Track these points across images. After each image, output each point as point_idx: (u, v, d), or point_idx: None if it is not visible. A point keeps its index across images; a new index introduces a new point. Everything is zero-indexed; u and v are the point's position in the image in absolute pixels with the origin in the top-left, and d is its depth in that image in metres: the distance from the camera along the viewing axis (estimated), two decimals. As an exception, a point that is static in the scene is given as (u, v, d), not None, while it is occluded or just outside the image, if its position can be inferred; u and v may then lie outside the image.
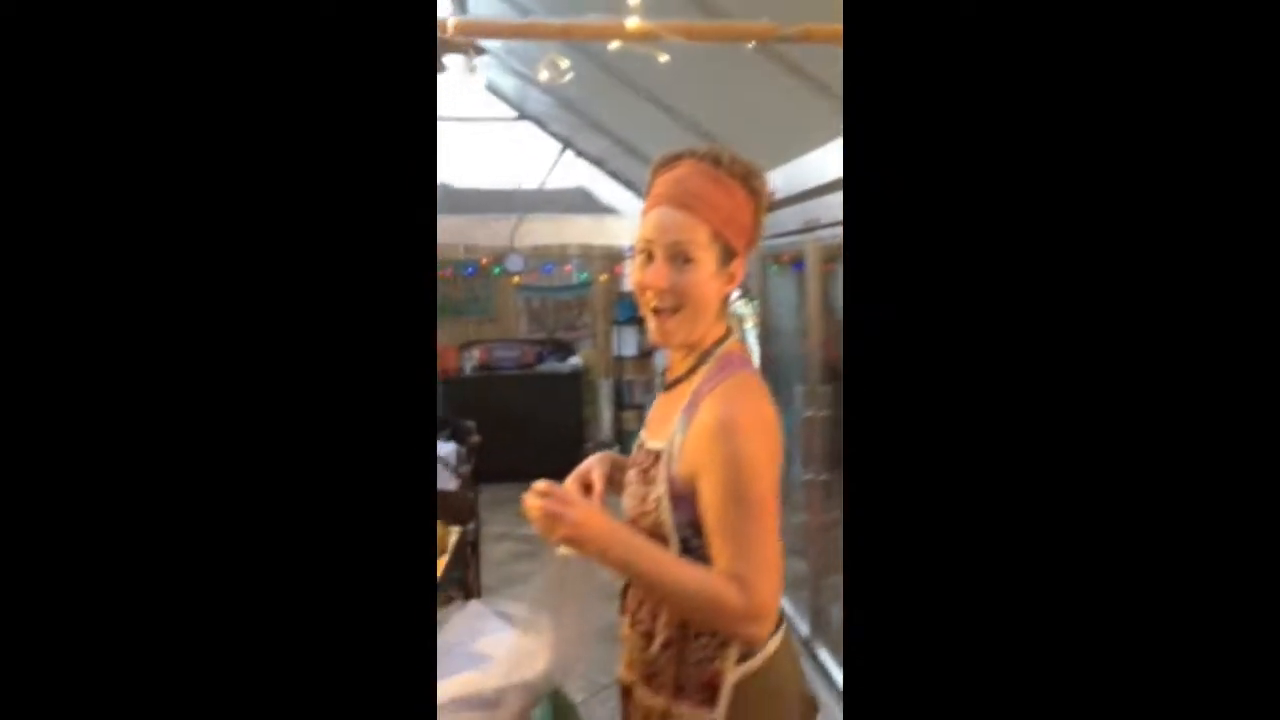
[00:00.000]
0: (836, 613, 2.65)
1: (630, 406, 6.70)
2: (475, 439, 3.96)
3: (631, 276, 1.20)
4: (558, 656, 1.12)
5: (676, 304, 1.07)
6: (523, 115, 5.99)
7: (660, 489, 1.08)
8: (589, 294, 6.83)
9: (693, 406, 1.08)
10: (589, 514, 1.03)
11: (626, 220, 7.16)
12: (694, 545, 1.07)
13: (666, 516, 1.07)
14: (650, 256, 1.08)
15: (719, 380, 1.09)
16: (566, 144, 5.99)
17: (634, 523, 1.11)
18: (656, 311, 1.09)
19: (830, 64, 2.61)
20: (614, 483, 1.21)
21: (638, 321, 6.60)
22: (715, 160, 1.09)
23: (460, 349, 6.58)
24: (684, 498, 1.06)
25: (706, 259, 1.07)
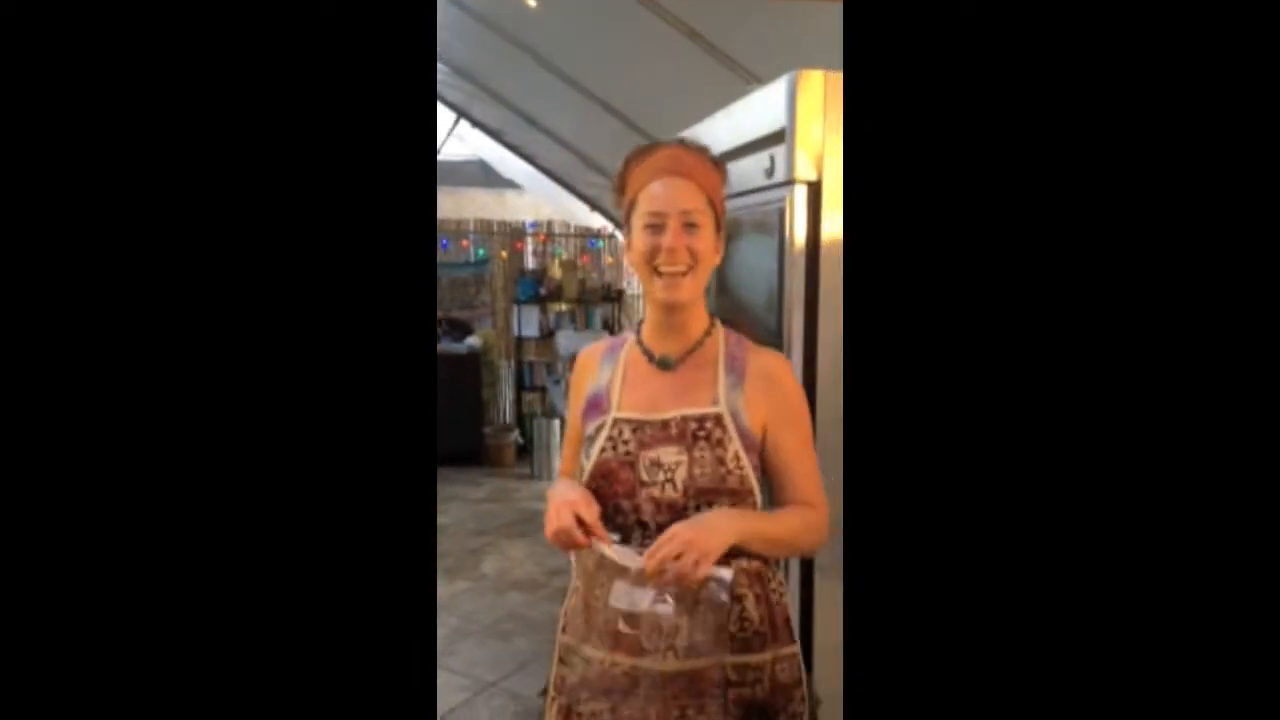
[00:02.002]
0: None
1: (533, 389, 6.48)
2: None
3: (635, 244, 1.22)
4: None
5: (689, 265, 1.19)
6: (415, 81, 5.64)
7: (734, 444, 1.19)
8: (487, 271, 6.55)
9: (735, 369, 1.23)
10: (702, 534, 1.09)
11: (527, 195, 6.90)
12: (764, 488, 1.23)
13: (747, 468, 1.19)
14: (659, 227, 1.18)
15: (742, 345, 1.27)
16: (462, 113, 5.68)
17: (720, 486, 1.18)
18: (670, 274, 1.19)
19: (729, 29, 2.47)
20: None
21: (539, 300, 6.38)
22: (691, 147, 1.23)
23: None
24: (753, 446, 1.21)
25: (707, 225, 1.20)
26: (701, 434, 1.19)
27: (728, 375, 1.23)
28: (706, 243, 1.20)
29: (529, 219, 6.77)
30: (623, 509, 1.20)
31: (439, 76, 5.26)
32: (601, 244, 6.68)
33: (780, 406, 1.22)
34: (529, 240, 6.63)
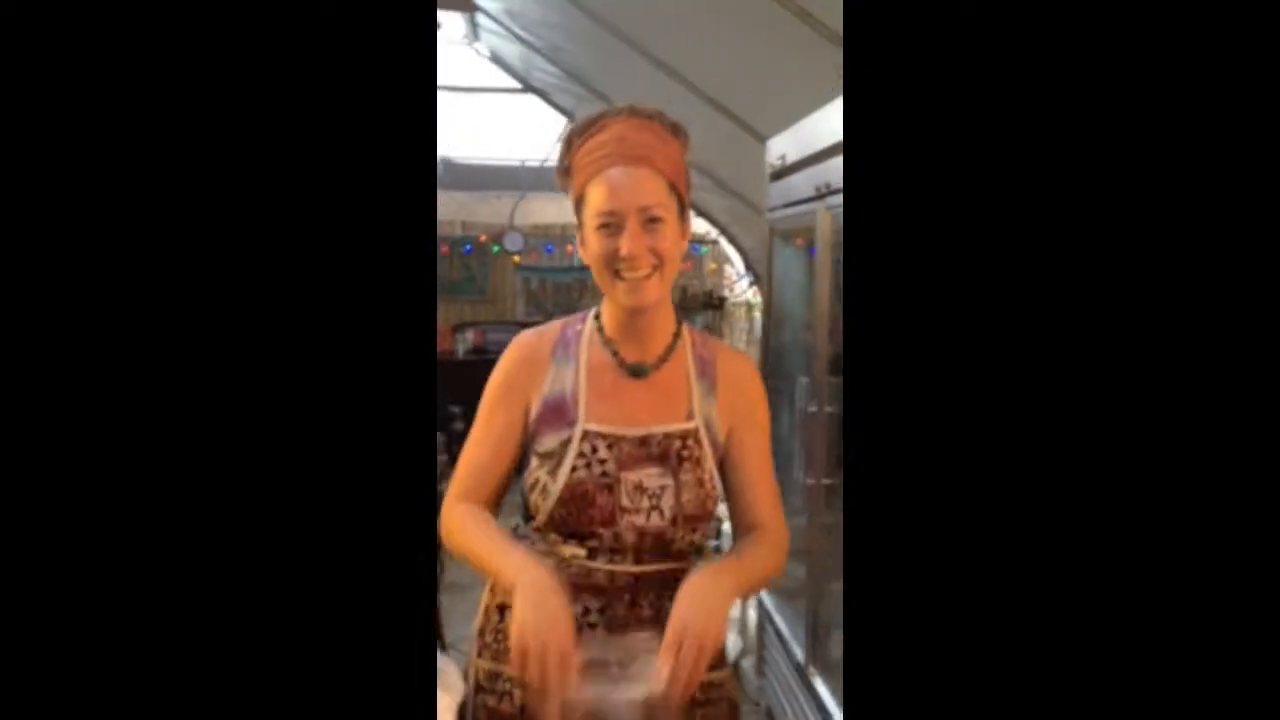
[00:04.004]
0: (839, 636, 2.37)
1: (630, 396, 6.44)
2: (459, 426, 3.74)
3: (589, 244, 1.05)
4: None
5: (654, 267, 1.03)
6: (527, 87, 5.71)
7: (709, 462, 1.08)
8: (590, 276, 6.56)
9: (707, 375, 1.11)
10: (705, 621, 0.95)
11: (633, 202, 6.87)
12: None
13: (719, 487, 1.09)
14: (615, 228, 1.02)
15: (709, 346, 1.15)
16: (572, 117, 5.71)
17: (702, 511, 1.08)
18: (633, 279, 1.03)
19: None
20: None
21: (640, 307, 6.33)
22: (643, 115, 1.06)
23: (454, 330, 6.34)
24: (721, 459, 1.11)
25: (671, 216, 1.05)
26: (685, 453, 1.07)
27: (699, 382, 1.11)
28: (671, 238, 1.03)
29: (633, 225, 6.74)
30: (600, 535, 1.05)
31: (552, 80, 5.31)
32: (704, 250, 6.59)
33: (746, 414, 1.11)
34: (632, 246, 6.60)
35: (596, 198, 1.02)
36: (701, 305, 6.38)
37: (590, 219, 1.03)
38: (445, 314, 6.43)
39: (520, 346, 1.14)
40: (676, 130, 1.08)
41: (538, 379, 1.10)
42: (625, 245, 1.01)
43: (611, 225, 1.02)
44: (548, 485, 1.06)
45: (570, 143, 1.07)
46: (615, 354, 1.10)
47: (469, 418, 3.81)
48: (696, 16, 3.09)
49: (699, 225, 6.13)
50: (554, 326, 1.16)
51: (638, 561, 1.06)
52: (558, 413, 1.08)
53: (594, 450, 1.06)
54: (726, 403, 1.11)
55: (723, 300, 6.46)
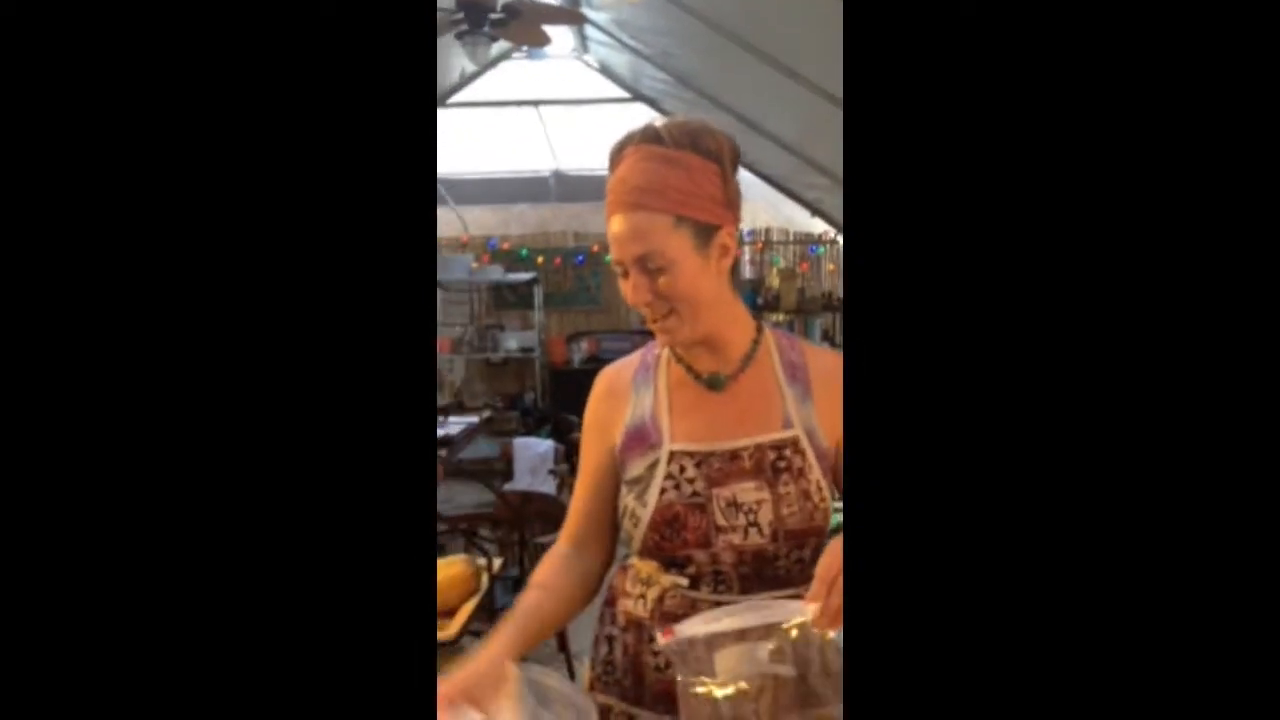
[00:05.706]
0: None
1: (747, 402, 6.34)
2: (577, 435, 3.74)
3: (623, 291, 1.03)
4: None
5: (669, 308, 0.99)
6: (637, 95, 5.71)
7: (815, 472, 1.01)
8: (705, 282, 6.50)
9: (799, 379, 1.05)
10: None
11: (748, 204, 6.79)
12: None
13: (830, 499, 1.02)
14: (626, 272, 0.99)
15: (797, 348, 1.09)
16: (682, 123, 5.67)
17: (809, 525, 1.00)
18: (655, 320, 1.00)
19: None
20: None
21: (756, 310, 6.23)
22: (656, 139, 0.97)
23: (568, 340, 6.40)
24: (830, 469, 1.03)
25: (680, 253, 0.96)
26: (782, 464, 1.00)
27: (791, 386, 1.04)
28: (684, 277, 0.95)
29: (746, 227, 6.64)
30: (696, 559, 0.99)
31: (661, 87, 5.29)
32: (823, 250, 6.42)
33: None
34: (746, 249, 6.50)
35: (610, 242, 1.00)
36: (820, 307, 6.20)
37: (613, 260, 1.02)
38: (560, 324, 6.51)
39: (603, 380, 1.13)
40: (697, 145, 0.97)
41: (621, 409, 1.08)
42: (629, 294, 0.99)
43: (623, 271, 1.00)
44: (638, 511, 1.02)
45: (609, 175, 1.02)
46: (690, 369, 1.06)
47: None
48: (810, 11, 2.98)
49: (817, 225, 5.97)
50: (635, 356, 1.13)
51: (744, 590, 1.00)
52: (641, 438, 1.04)
53: (682, 470, 1.01)
54: (827, 407, 1.03)
55: (842, 302, 6.27)
